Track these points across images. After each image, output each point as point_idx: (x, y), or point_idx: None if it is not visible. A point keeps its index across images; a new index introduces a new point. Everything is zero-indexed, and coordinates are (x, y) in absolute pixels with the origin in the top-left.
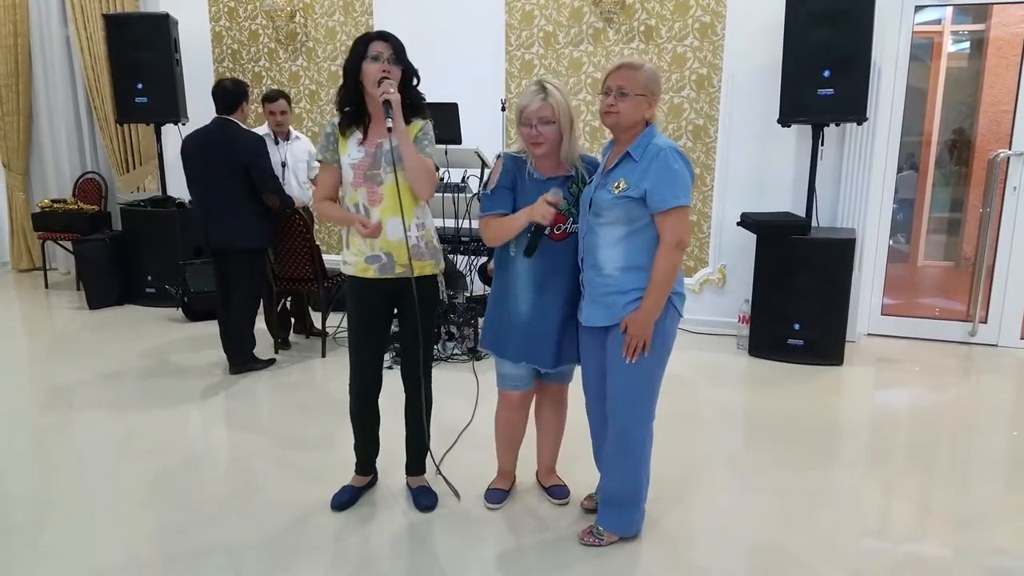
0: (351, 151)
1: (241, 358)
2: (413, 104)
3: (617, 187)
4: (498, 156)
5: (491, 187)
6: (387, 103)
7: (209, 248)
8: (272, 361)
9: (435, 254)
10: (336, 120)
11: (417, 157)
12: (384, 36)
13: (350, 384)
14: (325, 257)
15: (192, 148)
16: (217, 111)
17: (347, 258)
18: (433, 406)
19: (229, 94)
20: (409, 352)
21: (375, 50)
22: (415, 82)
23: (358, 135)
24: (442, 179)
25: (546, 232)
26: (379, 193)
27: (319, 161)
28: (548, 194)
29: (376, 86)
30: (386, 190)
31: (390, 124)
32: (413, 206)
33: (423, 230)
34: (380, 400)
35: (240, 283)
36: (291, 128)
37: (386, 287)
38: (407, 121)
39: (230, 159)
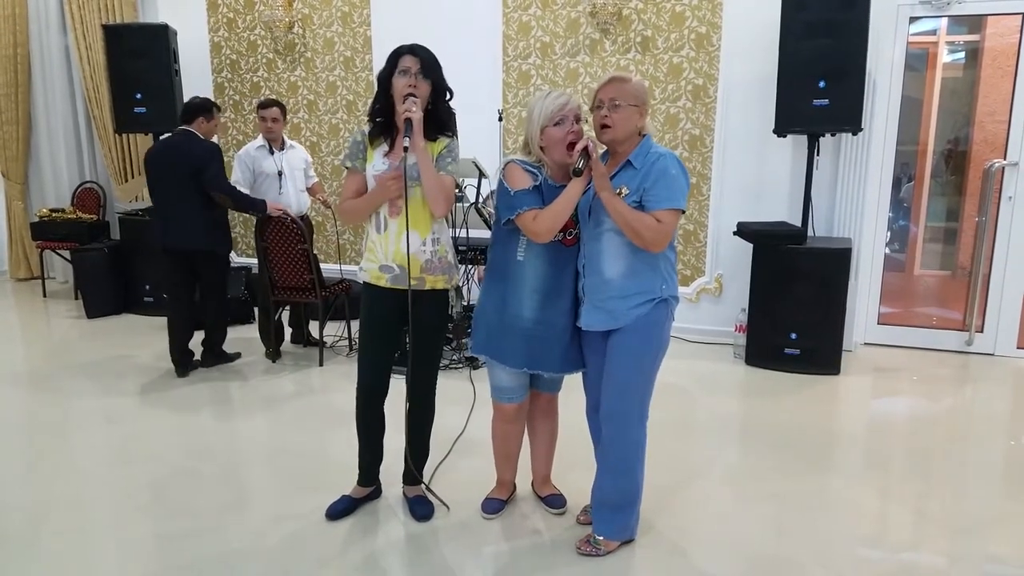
0: (376, 162)
1: (216, 349)
2: (440, 121)
3: (619, 193)
4: (508, 162)
5: (521, 186)
6: (408, 121)
7: (166, 250)
8: (238, 355)
9: (448, 269)
10: (366, 129)
11: (435, 176)
12: (414, 50)
13: (357, 387)
14: (323, 267)
15: (151, 156)
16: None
17: (363, 265)
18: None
19: (186, 107)
20: (413, 362)
21: (404, 64)
22: (447, 97)
23: (384, 147)
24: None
25: (559, 239)
26: (398, 205)
27: (346, 168)
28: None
29: (402, 102)
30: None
31: (407, 143)
32: (430, 221)
33: (438, 245)
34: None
35: (213, 287)
36: (285, 137)
37: (398, 297)
38: (432, 138)
39: (181, 164)
